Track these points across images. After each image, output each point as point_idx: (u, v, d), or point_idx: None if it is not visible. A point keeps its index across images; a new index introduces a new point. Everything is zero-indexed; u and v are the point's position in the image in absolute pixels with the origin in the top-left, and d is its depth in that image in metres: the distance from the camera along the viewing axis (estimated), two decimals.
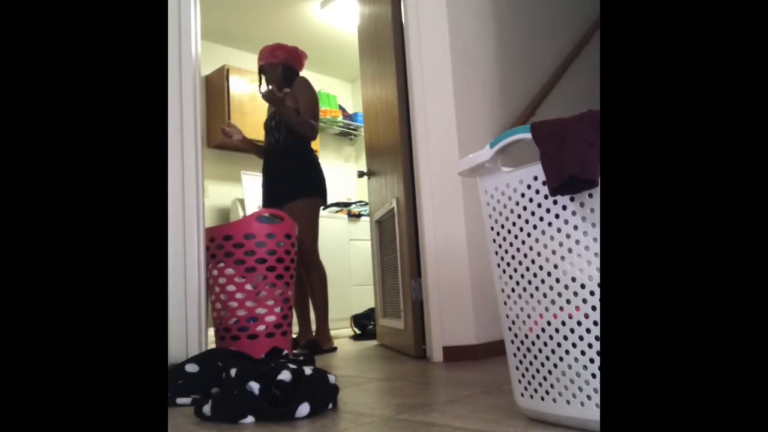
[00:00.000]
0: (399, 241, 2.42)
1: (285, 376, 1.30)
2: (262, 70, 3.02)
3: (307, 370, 1.34)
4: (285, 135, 2.87)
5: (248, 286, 2.25)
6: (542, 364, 1.02)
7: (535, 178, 1.02)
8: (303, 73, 3.10)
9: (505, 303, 1.11)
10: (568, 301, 0.97)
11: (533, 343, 1.04)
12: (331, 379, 1.38)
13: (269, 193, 2.93)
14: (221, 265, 2.26)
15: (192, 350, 1.91)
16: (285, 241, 2.36)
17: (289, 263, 2.38)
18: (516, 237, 1.07)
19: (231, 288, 2.24)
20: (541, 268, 1.02)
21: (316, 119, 2.86)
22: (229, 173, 4.69)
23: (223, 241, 2.26)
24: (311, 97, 2.88)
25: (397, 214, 2.43)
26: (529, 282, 1.04)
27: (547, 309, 1.01)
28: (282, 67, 2.98)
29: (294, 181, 2.83)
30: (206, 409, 1.28)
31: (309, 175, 2.85)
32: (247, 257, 2.25)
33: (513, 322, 1.09)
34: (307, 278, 2.87)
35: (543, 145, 0.98)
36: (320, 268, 2.86)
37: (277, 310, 2.30)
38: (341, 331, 4.09)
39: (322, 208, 2.98)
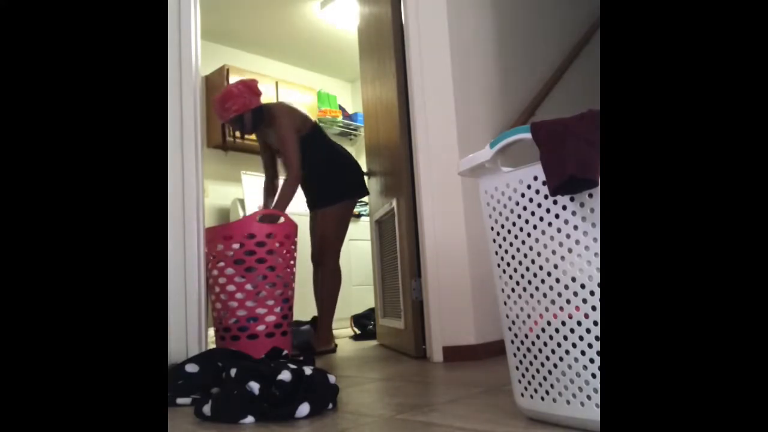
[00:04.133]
0: (399, 242, 2.42)
1: (285, 376, 1.30)
2: (227, 124, 2.76)
3: (307, 370, 1.34)
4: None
5: (248, 286, 2.25)
6: (542, 364, 1.02)
7: (535, 178, 1.02)
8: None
9: (505, 303, 1.11)
10: (568, 301, 0.97)
11: (533, 343, 1.04)
12: (331, 379, 1.38)
13: (309, 204, 2.94)
14: (221, 264, 2.26)
15: (192, 350, 1.91)
16: (285, 240, 2.36)
17: (289, 263, 2.38)
18: (516, 237, 1.07)
19: (231, 288, 2.24)
20: (541, 268, 1.02)
21: (296, 154, 2.64)
22: (229, 173, 4.69)
23: (223, 240, 2.26)
24: (282, 124, 2.68)
25: (397, 214, 2.43)
26: (529, 282, 1.04)
27: (547, 309, 1.01)
28: (245, 115, 2.68)
29: (316, 194, 2.84)
30: (206, 409, 1.28)
31: (329, 182, 2.79)
32: (247, 257, 2.25)
33: (513, 322, 1.09)
34: (320, 274, 2.82)
35: (543, 145, 0.98)
36: (331, 266, 2.79)
37: (277, 310, 2.30)
38: (341, 331, 4.09)
39: (359, 199, 2.91)
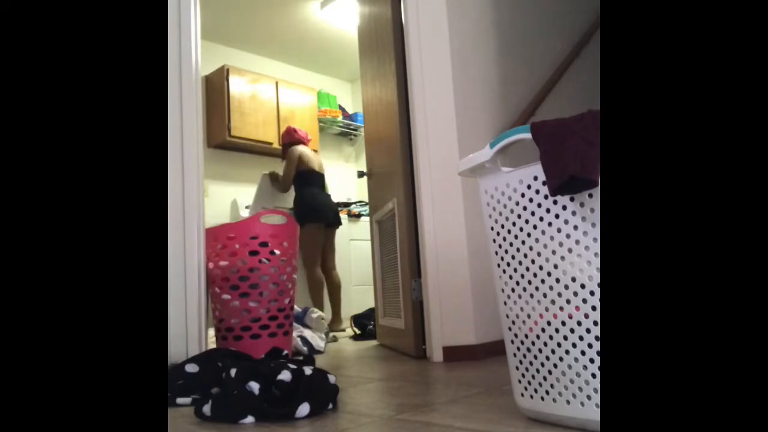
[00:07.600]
0: (399, 242, 2.42)
1: (285, 376, 1.30)
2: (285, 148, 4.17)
3: (307, 370, 1.34)
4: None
5: (251, 287, 2.25)
6: (542, 364, 1.02)
7: (535, 178, 1.02)
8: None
9: (505, 303, 1.11)
10: (568, 301, 0.97)
11: (533, 343, 1.04)
12: (331, 379, 1.39)
13: None
14: (224, 264, 2.26)
15: (192, 350, 1.91)
16: (289, 241, 2.36)
17: (292, 263, 2.38)
18: (516, 237, 1.07)
19: (234, 288, 2.24)
20: (541, 268, 1.02)
21: (288, 175, 4.03)
22: (229, 173, 4.69)
23: (227, 240, 2.26)
24: (287, 159, 4.05)
25: (397, 214, 2.43)
26: (529, 282, 1.04)
27: (547, 309, 1.01)
28: (283, 147, 4.21)
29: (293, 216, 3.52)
30: (206, 409, 1.28)
31: (298, 210, 3.93)
32: (250, 257, 2.25)
33: (513, 322, 1.09)
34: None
35: (543, 145, 0.98)
36: (308, 274, 3.88)
37: (280, 310, 2.30)
38: (341, 332, 4.09)
39: (324, 226, 3.98)
